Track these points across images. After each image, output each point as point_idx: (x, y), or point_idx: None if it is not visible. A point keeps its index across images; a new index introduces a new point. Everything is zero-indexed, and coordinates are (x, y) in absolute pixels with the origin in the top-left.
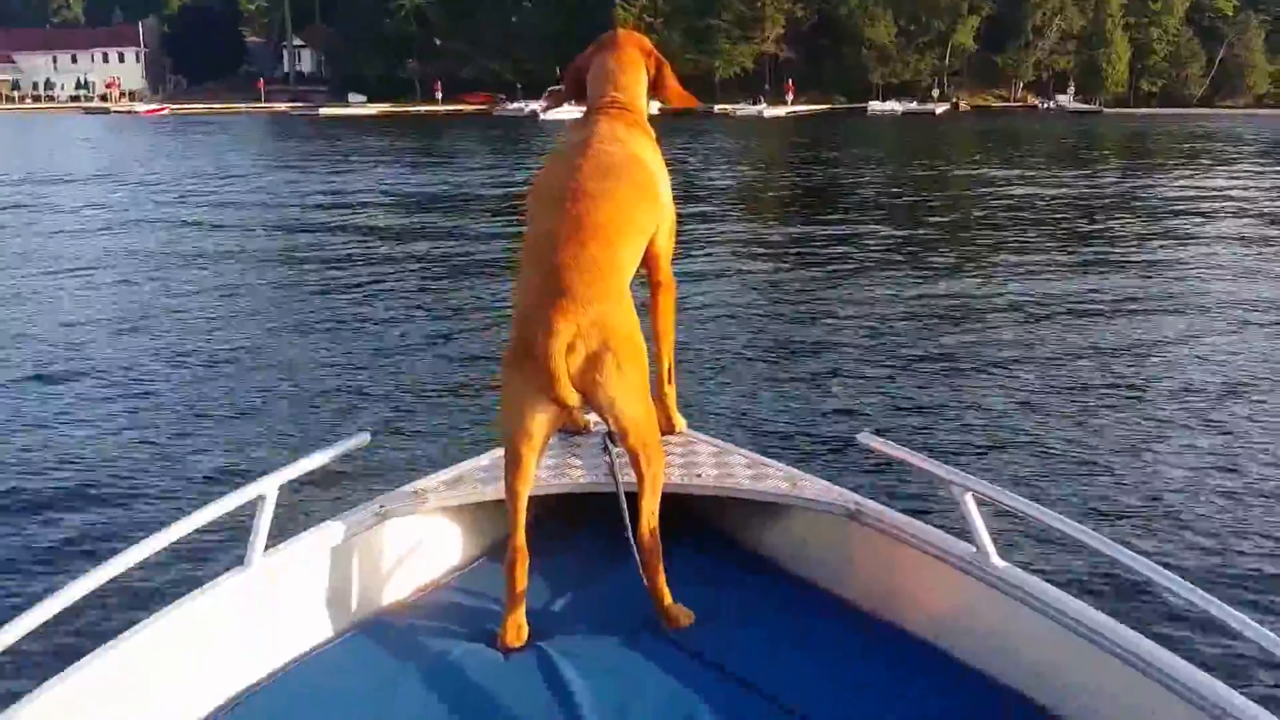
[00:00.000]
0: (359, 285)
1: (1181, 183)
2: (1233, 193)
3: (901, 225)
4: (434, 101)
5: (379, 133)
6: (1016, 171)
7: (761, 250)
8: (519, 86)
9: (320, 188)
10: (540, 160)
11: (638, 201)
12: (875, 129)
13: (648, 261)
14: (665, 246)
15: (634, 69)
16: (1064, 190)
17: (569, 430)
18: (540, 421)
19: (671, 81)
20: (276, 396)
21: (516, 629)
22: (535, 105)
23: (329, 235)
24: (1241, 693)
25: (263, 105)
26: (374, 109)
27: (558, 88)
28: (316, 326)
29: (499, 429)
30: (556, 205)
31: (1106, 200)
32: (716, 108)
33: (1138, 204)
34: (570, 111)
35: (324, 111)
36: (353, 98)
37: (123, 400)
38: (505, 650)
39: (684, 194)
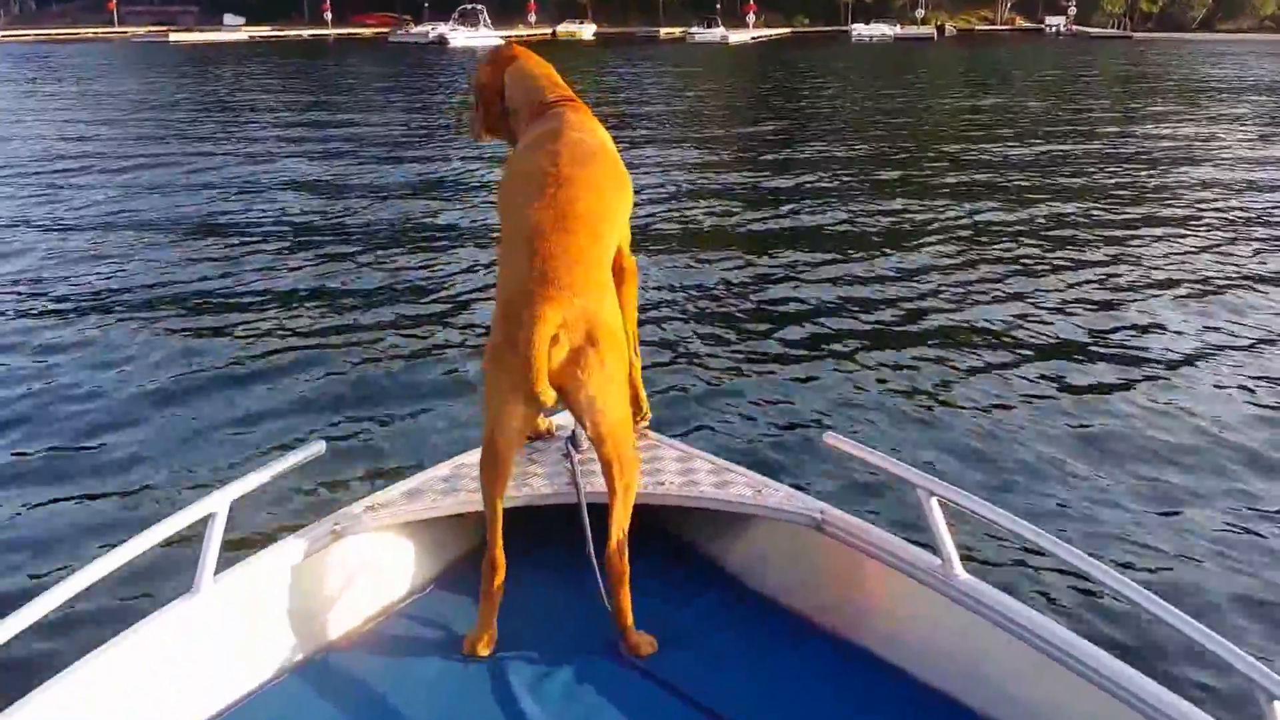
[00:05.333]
0: (290, 274)
1: None
2: None
3: (919, 200)
4: (323, 24)
5: (247, 65)
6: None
7: (734, 228)
8: (425, 5)
9: (177, 149)
10: (452, 101)
11: (615, 190)
12: (865, 59)
13: None
14: (626, 234)
15: (553, 72)
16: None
17: (530, 435)
18: (518, 417)
19: None
20: (218, 409)
21: (488, 637)
22: (444, 29)
23: (214, 217)
24: (1206, 712)
25: (115, 30)
26: (246, 33)
27: (471, 7)
28: (244, 323)
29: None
30: (538, 193)
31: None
32: (663, 31)
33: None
34: (486, 37)
35: (175, 38)
36: (229, 19)
37: (41, 423)
38: (474, 657)
39: (643, 154)
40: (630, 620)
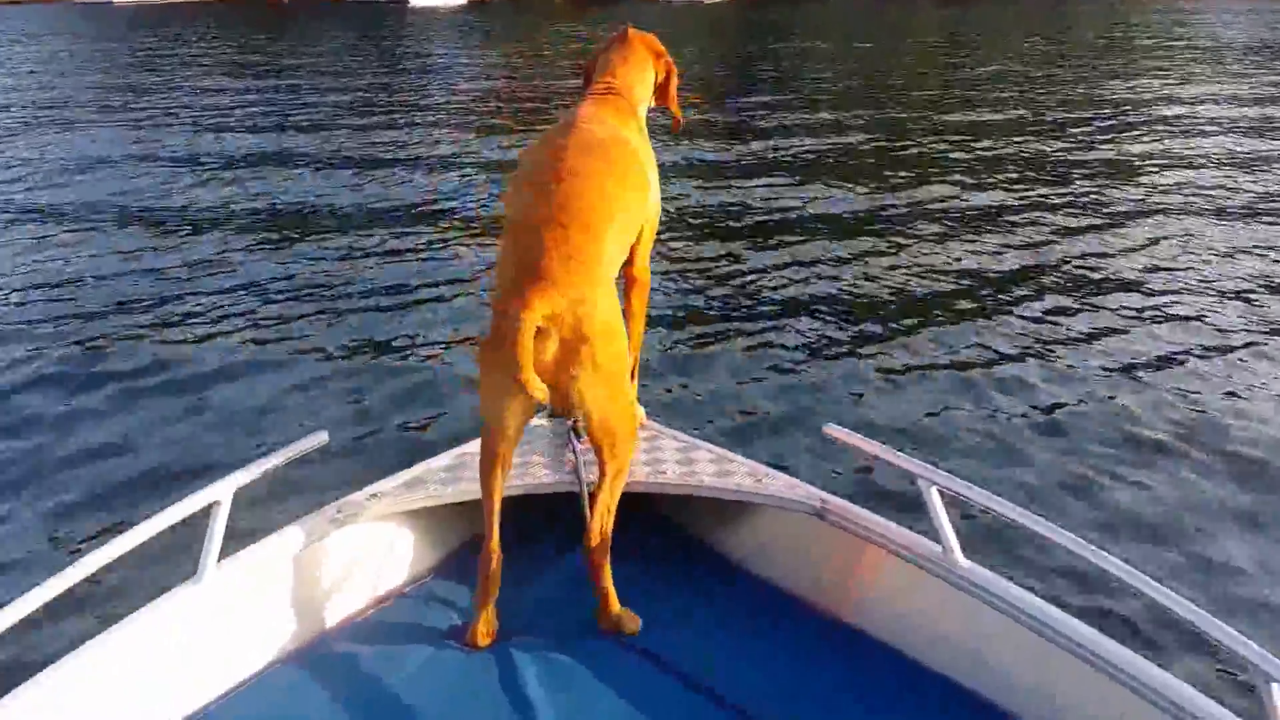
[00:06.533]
0: (273, 259)
1: None
2: None
3: (902, 181)
4: None
5: (196, 28)
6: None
7: (719, 211)
8: None
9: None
10: (417, 66)
11: (623, 184)
12: (849, 17)
13: (627, 254)
14: (647, 241)
15: (638, 65)
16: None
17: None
18: (514, 412)
19: (674, 91)
20: (219, 396)
21: (487, 628)
22: None
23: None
24: (1206, 695)
25: None
26: None
27: None
28: (240, 310)
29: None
30: (538, 186)
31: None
32: None
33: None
34: None
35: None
36: None
37: (41, 411)
38: (474, 648)
39: None
40: (613, 597)
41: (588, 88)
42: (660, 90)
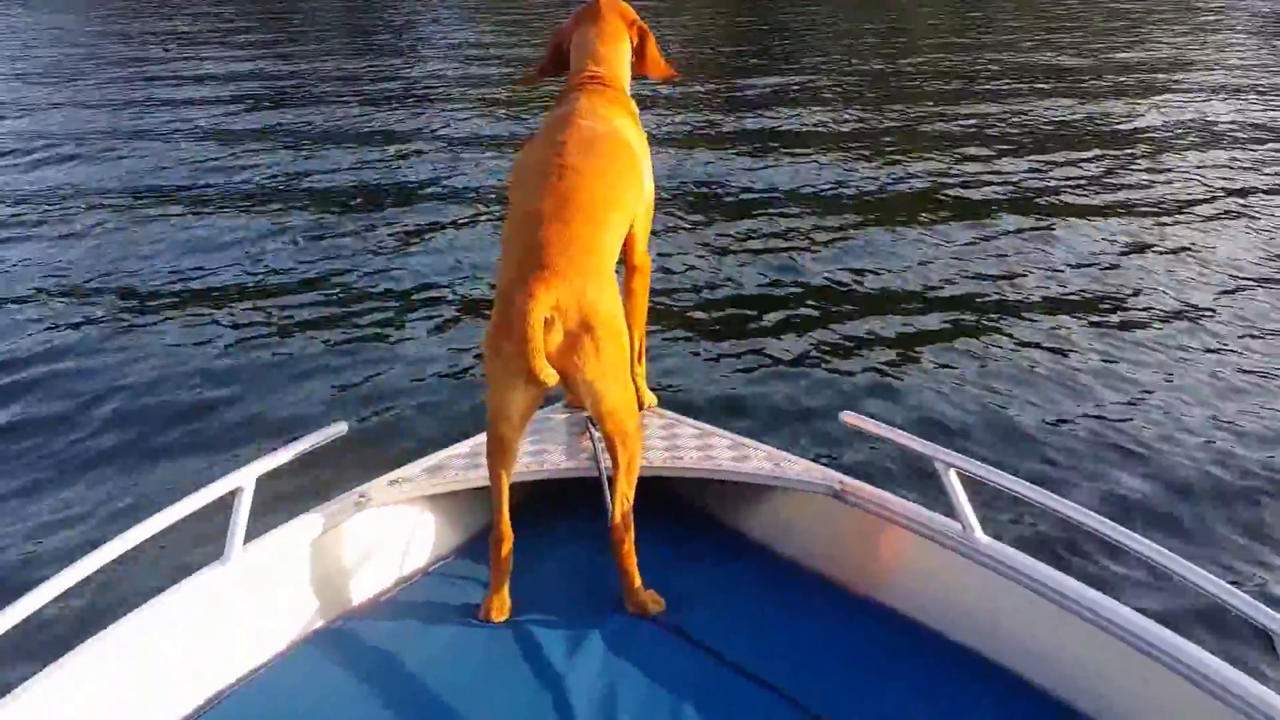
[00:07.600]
0: (288, 245)
1: None
2: None
3: (906, 156)
4: None
5: (163, 3)
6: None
7: (725, 196)
8: None
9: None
10: (422, 41)
11: (622, 180)
12: None
13: (625, 243)
14: (643, 228)
15: (616, 41)
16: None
17: (575, 406)
18: (520, 402)
19: (654, 53)
20: (240, 388)
21: (500, 606)
22: None
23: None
24: (1233, 665)
25: None
26: None
27: None
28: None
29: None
30: (541, 182)
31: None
32: None
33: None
34: None
35: None
36: None
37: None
38: (488, 622)
39: None
40: (638, 581)
41: (553, 64)
42: (638, 54)
